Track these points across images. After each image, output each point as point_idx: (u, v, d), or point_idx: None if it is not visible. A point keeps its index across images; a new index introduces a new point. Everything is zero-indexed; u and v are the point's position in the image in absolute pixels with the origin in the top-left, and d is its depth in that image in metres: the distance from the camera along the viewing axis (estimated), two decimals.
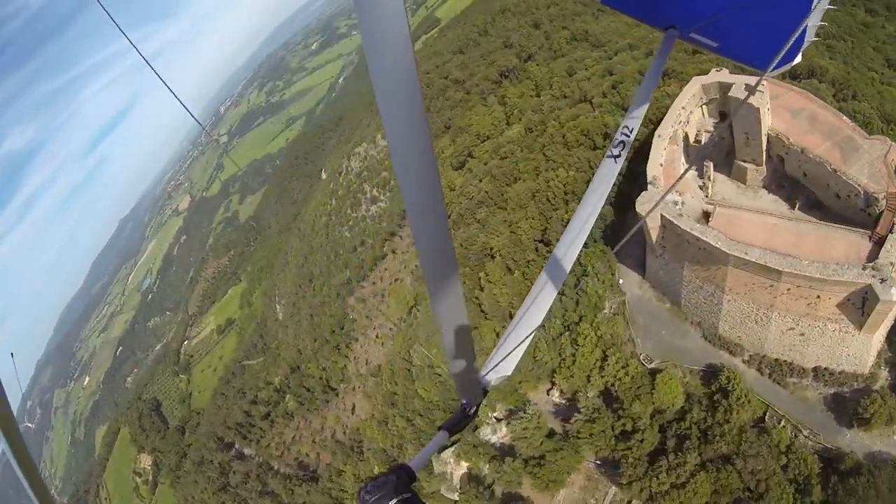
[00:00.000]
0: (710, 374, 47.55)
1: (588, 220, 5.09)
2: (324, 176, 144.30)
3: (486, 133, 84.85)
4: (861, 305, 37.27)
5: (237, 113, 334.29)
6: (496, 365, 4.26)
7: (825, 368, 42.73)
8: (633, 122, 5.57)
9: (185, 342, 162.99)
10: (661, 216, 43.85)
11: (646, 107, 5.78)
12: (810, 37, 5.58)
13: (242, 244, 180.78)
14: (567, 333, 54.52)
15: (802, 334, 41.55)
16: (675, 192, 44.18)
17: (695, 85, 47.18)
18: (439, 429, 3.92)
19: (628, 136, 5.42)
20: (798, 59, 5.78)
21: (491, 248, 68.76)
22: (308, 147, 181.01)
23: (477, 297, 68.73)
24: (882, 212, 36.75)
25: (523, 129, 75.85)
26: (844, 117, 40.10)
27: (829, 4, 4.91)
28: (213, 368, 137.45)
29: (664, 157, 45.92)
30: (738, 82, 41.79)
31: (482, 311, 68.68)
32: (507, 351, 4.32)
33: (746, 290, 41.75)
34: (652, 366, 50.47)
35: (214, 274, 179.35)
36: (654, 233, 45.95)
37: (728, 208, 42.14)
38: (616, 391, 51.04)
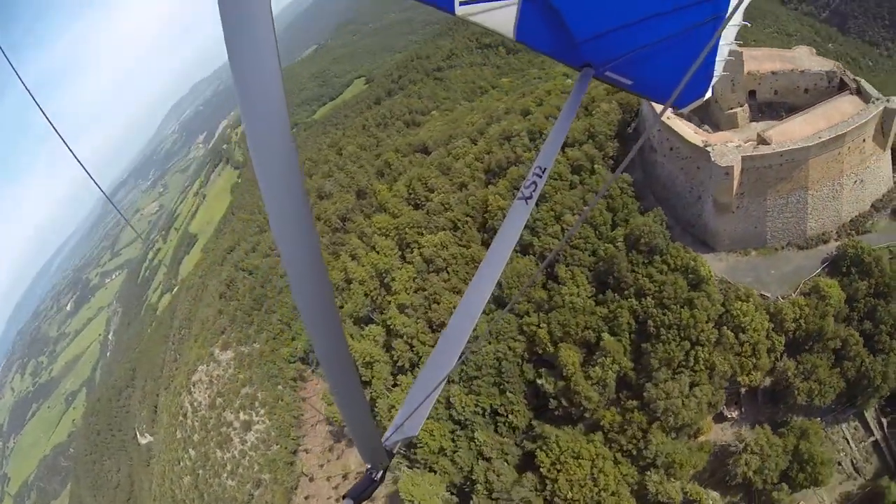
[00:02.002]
0: (832, 265, 57.58)
1: (498, 266, 5.18)
2: (145, 438, 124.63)
3: (383, 268, 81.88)
4: (881, 130, 54.81)
5: (2, 407, 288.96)
6: (400, 425, 4.31)
7: (878, 200, 58.69)
8: (547, 160, 5.77)
9: None
10: (742, 159, 53.82)
11: (559, 145, 6.05)
12: (718, 72, 6.67)
13: None
14: (724, 328, 56.08)
15: (862, 181, 56.72)
16: (730, 143, 55.36)
17: None
18: (343, 497, 3.83)
19: (540, 177, 5.58)
20: (709, 93, 6.90)
21: (537, 346, 65.24)
22: (107, 416, 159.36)
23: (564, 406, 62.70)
24: (841, 78, 56.44)
25: (447, 232, 77.18)
26: (766, 47, 60.37)
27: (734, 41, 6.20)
28: None
29: (690, 128, 57.22)
30: None
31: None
32: (410, 410, 4.36)
33: (823, 172, 54.82)
34: (794, 297, 57.31)
35: None
36: (735, 183, 55.27)
37: (770, 128, 55.55)
38: (803, 332, 55.15)
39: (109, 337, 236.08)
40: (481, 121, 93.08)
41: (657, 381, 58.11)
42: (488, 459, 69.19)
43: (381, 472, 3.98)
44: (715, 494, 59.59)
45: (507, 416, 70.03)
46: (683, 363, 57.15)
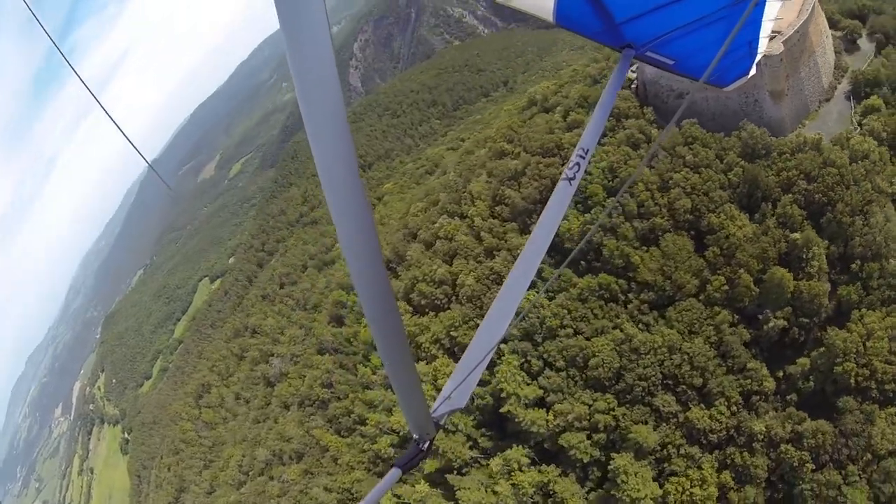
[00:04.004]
0: (854, 95, 76.16)
1: (543, 244, 5.68)
2: None
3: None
4: None
5: None
6: (448, 397, 4.73)
7: (835, 45, 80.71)
8: (590, 142, 6.16)
9: None
10: (783, 45, 69.20)
11: (602, 126, 6.57)
12: (762, 48, 7.41)
13: None
14: (858, 162, 68.08)
15: (828, 35, 78.12)
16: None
17: None
18: (391, 466, 4.24)
19: (584, 157, 6.02)
20: (753, 72, 7.72)
21: (740, 301, 68.16)
22: None
23: None
24: None
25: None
26: None
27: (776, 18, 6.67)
28: None
29: None
30: None
31: None
32: (458, 382, 4.80)
33: (815, 35, 74.13)
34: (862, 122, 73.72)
35: None
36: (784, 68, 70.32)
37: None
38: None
39: None
40: (443, 196, 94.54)
41: (857, 232, 66.38)
42: (788, 441, 65.98)
43: (428, 442, 4.27)
44: None
45: (760, 387, 68.57)
46: (863, 201, 66.93)
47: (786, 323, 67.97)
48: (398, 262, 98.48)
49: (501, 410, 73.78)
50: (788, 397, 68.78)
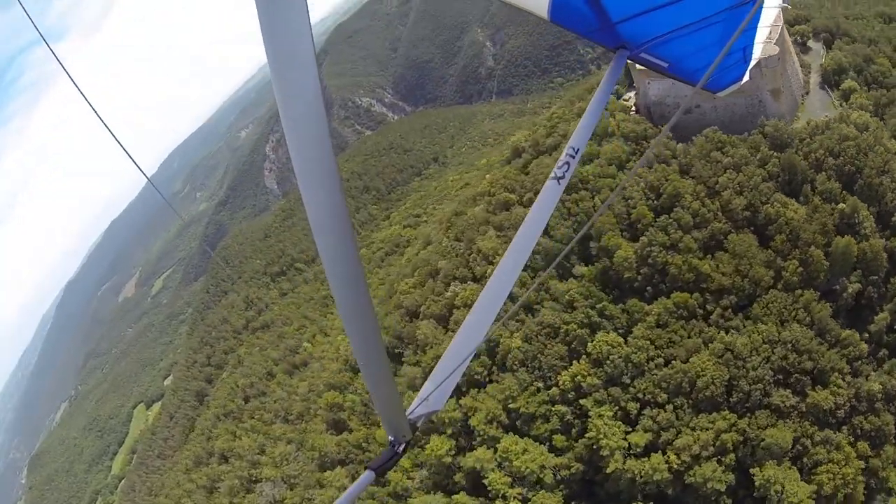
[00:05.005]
0: (825, 83, 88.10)
1: (529, 243, 5.72)
2: None
3: None
4: None
5: None
6: (425, 399, 4.68)
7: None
8: (580, 141, 6.17)
9: None
10: (776, 47, 78.80)
11: (593, 126, 6.53)
12: (757, 54, 7.63)
13: None
14: (865, 132, 78.04)
15: (790, 41, 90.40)
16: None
17: None
18: (365, 468, 4.14)
19: (574, 157, 6.03)
20: (746, 77, 7.96)
21: (816, 278, 72.99)
22: None
23: None
24: None
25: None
26: None
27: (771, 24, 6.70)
28: None
29: None
30: None
31: None
32: (436, 384, 4.75)
33: (786, 39, 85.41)
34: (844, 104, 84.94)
35: None
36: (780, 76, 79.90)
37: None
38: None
39: None
40: (443, 263, 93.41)
41: (888, 189, 75.32)
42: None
43: (404, 445, 4.23)
44: None
45: (859, 352, 72.55)
46: (883, 162, 76.36)
47: (860, 285, 73.74)
48: (404, 346, 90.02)
49: (607, 471, 68.24)
50: (880, 354, 73.73)
